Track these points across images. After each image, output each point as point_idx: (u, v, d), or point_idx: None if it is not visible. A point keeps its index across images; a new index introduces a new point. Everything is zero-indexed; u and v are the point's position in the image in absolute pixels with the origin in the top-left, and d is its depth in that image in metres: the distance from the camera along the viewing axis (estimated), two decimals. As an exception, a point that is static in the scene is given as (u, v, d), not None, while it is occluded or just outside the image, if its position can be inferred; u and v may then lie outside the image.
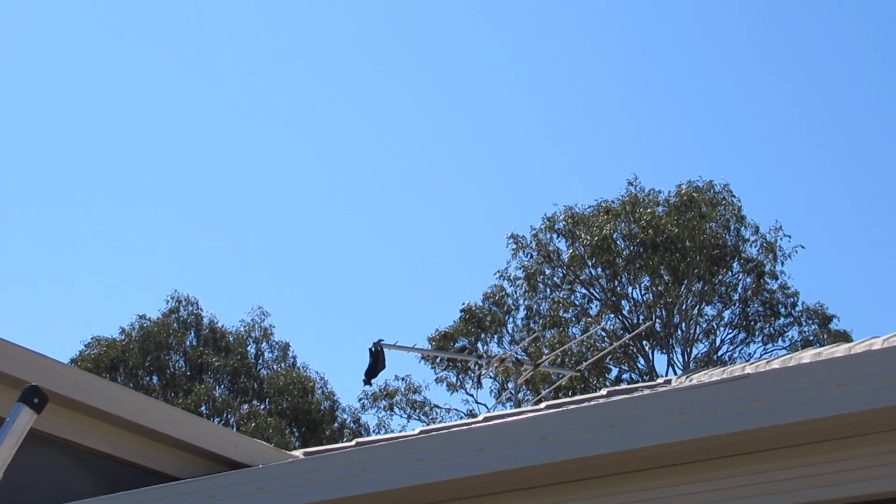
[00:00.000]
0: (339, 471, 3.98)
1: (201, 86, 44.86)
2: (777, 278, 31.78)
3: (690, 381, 9.10)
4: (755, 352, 31.98)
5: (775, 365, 7.92)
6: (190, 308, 35.61)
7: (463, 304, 32.98)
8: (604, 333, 31.74)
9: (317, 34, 45.60)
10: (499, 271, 33.30)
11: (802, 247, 31.94)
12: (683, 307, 31.49)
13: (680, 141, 44.26)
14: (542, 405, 8.39)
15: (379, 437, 10.11)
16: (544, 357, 23.74)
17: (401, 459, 3.89)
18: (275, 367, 36.06)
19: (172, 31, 44.37)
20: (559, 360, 28.25)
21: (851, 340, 16.93)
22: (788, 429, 3.28)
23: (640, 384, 10.84)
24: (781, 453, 3.36)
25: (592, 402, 3.92)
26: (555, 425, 3.63)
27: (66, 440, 5.43)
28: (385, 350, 13.58)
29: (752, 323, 31.90)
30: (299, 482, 4.03)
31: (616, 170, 47.35)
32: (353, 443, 8.26)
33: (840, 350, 7.60)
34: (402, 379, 33.75)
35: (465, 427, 3.94)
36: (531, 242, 32.67)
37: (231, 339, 35.82)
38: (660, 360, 32.50)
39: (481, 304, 33.20)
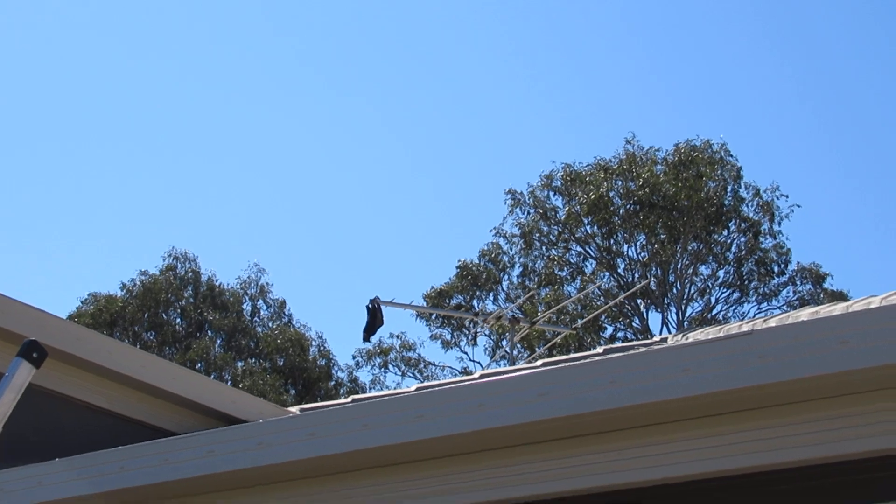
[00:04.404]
0: (341, 426, 3.98)
1: (198, 54, 44.62)
2: (775, 237, 31.79)
3: (687, 339, 9.11)
4: (749, 311, 32.07)
5: (772, 323, 7.93)
6: (188, 265, 35.56)
7: (459, 261, 32.98)
8: (599, 292, 31.79)
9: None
10: (495, 228, 33.26)
11: (798, 206, 31.90)
12: (678, 266, 31.52)
13: (678, 101, 44.17)
14: (538, 362, 8.40)
15: (376, 393, 10.14)
16: (540, 315, 23.79)
17: (402, 415, 3.89)
18: (270, 324, 36.08)
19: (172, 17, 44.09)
20: (554, 318, 28.31)
21: (848, 300, 16.96)
22: (790, 385, 3.28)
23: (636, 342, 10.87)
24: (783, 409, 3.36)
25: (592, 359, 3.92)
26: (556, 381, 3.62)
27: (64, 395, 5.42)
28: (382, 307, 13.59)
29: (747, 282, 31.94)
30: (301, 437, 4.03)
31: (614, 128, 47.24)
32: (349, 399, 8.27)
33: (837, 309, 7.61)
34: (397, 336, 33.80)
35: (465, 383, 3.94)
36: (528, 199, 32.63)
37: (228, 296, 35.81)
38: (654, 319, 32.61)
39: (477, 261, 33.20)
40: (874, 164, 41.83)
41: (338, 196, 46.96)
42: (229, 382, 31.70)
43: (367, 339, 13.74)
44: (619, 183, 31.31)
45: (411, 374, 33.89)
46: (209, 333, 34.86)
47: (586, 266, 32.48)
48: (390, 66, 45.86)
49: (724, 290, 32.20)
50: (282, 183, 47.37)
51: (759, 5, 42.28)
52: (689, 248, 31.31)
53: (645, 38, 44.15)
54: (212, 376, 31.99)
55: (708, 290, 32.19)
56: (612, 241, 31.87)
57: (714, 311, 31.97)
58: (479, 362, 33.25)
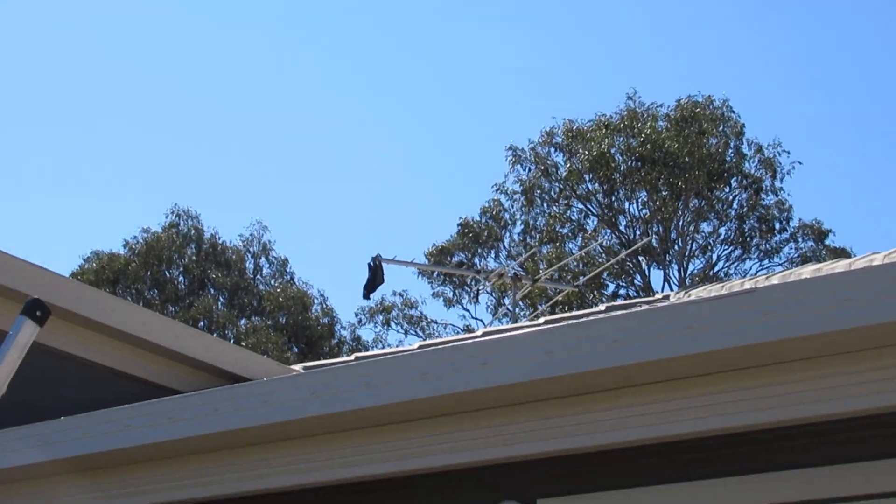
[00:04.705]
0: (343, 384, 3.98)
1: (196, 13, 44.36)
2: (777, 194, 31.75)
3: (689, 296, 9.10)
4: (751, 268, 32.10)
5: (775, 280, 7.92)
6: (191, 222, 35.56)
7: (460, 218, 32.94)
8: (601, 249, 31.79)
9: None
10: (496, 185, 33.18)
11: (800, 163, 31.84)
12: (680, 223, 31.49)
13: (680, 56, 43.96)
14: (541, 320, 8.41)
15: (379, 351, 10.15)
16: (542, 272, 23.80)
17: (405, 373, 3.89)
18: (273, 282, 36.11)
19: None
20: (556, 275, 28.34)
21: (850, 257, 16.94)
22: (794, 343, 3.27)
23: (638, 300, 10.86)
24: (788, 367, 3.36)
25: (596, 317, 3.91)
26: (560, 339, 3.62)
27: (68, 353, 5.43)
28: (384, 265, 13.60)
29: (748, 239, 31.91)
30: (305, 396, 4.04)
31: (616, 84, 47.02)
32: (352, 357, 8.29)
33: (840, 266, 7.59)
34: (399, 294, 33.83)
35: (469, 341, 3.94)
36: (529, 156, 32.54)
37: (231, 254, 35.83)
38: (656, 276, 32.62)
39: (479, 218, 33.16)
40: (876, 121, 41.70)
41: (340, 154, 46.89)
42: (232, 341, 31.79)
43: (367, 296, 13.79)
44: (621, 139, 31.21)
45: (413, 332, 33.98)
46: (211, 291, 34.90)
47: (588, 223, 32.47)
48: (391, 21, 45.63)
49: (726, 247, 32.19)
50: (284, 141, 47.28)
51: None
52: (691, 204, 31.26)
53: (647, -6, 43.89)
54: (214, 334, 32.08)
55: (710, 248, 32.19)
56: (613, 198, 31.82)
57: (716, 269, 31.98)
58: (481, 320, 33.32)
